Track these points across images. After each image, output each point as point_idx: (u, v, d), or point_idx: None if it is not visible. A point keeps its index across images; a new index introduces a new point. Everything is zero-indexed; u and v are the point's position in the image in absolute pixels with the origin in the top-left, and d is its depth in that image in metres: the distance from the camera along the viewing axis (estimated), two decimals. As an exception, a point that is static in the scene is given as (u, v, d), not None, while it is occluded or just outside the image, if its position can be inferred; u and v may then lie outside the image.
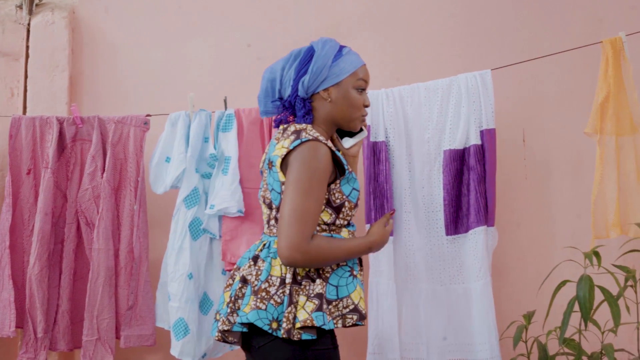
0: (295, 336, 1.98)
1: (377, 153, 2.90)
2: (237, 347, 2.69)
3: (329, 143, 2.10)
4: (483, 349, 2.70)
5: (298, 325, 1.98)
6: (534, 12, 3.27)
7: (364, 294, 2.11)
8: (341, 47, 2.20)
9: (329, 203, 2.08)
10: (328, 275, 2.06)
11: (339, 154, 2.11)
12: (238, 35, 3.47)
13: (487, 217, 2.77)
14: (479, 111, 2.82)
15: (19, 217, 3.10)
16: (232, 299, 2.09)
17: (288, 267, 2.03)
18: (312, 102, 2.18)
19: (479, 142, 2.80)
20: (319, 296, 2.01)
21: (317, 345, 2.01)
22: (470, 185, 2.80)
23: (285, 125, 2.18)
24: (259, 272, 2.06)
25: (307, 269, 2.05)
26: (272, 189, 2.11)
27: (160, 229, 3.21)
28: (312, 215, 2.01)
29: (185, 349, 2.96)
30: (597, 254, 2.57)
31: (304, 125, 2.12)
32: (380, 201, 2.87)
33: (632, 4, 3.19)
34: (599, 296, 2.49)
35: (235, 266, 2.19)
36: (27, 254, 3.07)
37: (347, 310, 2.04)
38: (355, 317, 2.04)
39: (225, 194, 2.96)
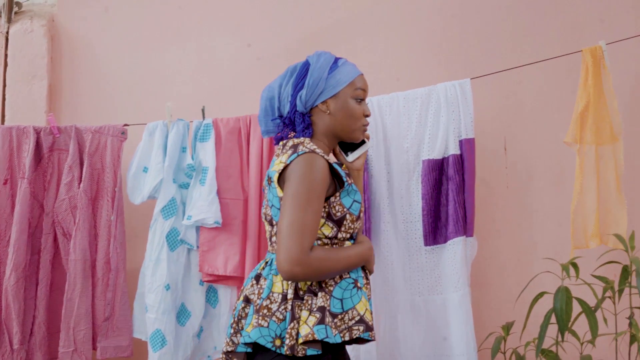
0: (300, 352, 1.94)
1: (356, 163, 2.88)
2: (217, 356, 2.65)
3: (327, 155, 2.09)
4: (461, 361, 2.68)
5: (300, 340, 1.94)
6: (515, 21, 3.25)
7: (370, 306, 2.07)
8: (336, 59, 2.19)
9: (329, 216, 2.05)
10: (331, 288, 2.02)
11: (336, 166, 2.08)
12: (221, 43, 3.45)
13: (465, 227, 2.76)
14: (458, 121, 2.80)
15: (-5, 228, 3.08)
16: (236, 319, 2.07)
17: (290, 283, 2.00)
18: (312, 116, 2.17)
19: (458, 152, 2.79)
20: (321, 309, 1.97)
21: None
22: (449, 196, 2.78)
23: (284, 141, 2.17)
24: (261, 290, 2.03)
25: (309, 283, 2.01)
26: (272, 205, 2.09)
27: (137, 240, 3.19)
28: (311, 227, 1.97)
29: (162, 361, 2.93)
30: (574, 265, 2.56)
31: (301, 139, 2.11)
32: (359, 211, 2.85)
33: (613, 13, 3.18)
34: (577, 307, 2.48)
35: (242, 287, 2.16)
36: (3, 264, 3.04)
37: (353, 322, 2.00)
38: (361, 328, 1.99)
39: (203, 205, 2.93)
